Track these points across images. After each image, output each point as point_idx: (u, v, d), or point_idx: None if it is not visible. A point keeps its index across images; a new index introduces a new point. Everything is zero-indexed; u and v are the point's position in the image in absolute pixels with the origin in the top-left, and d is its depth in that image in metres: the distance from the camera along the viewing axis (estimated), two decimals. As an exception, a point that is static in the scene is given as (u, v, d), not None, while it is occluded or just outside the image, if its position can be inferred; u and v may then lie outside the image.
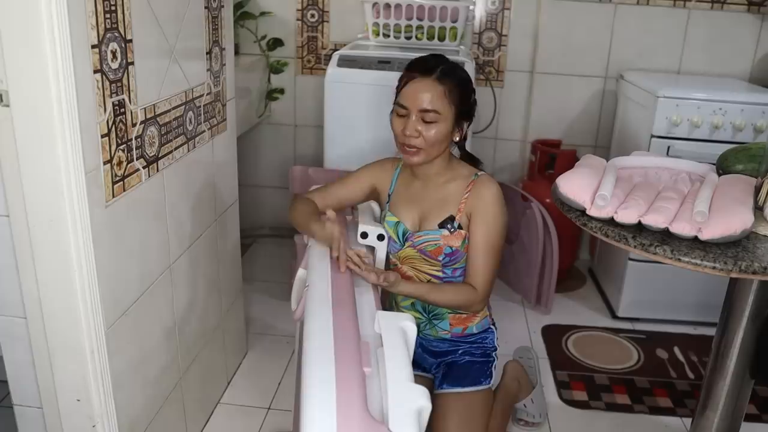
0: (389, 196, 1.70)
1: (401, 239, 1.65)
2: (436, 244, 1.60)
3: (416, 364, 1.74)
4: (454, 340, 1.72)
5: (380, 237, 1.61)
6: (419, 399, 0.98)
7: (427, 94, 1.51)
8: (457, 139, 1.61)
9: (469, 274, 1.61)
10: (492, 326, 1.76)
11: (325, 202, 1.69)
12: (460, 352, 1.72)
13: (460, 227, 1.59)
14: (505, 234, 1.62)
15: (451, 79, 1.54)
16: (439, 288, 1.61)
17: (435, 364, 1.74)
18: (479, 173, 1.63)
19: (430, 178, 1.64)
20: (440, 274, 1.64)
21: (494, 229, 1.58)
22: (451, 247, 1.60)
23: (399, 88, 1.57)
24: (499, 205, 1.59)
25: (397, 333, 1.14)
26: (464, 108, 1.58)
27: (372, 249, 1.63)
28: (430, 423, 1.23)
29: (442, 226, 1.60)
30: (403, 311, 1.69)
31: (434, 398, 1.64)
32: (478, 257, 1.59)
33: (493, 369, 1.72)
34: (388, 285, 1.49)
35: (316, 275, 1.38)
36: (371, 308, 1.32)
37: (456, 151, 1.72)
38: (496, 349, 1.75)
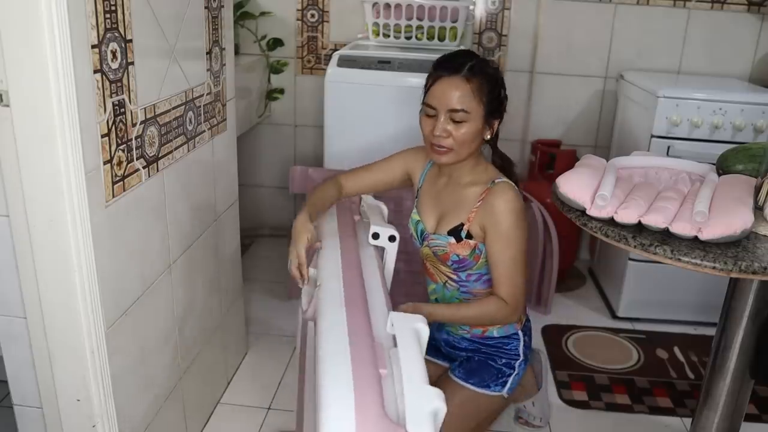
0: (418, 191, 1.68)
1: (420, 238, 1.64)
2: (443, 250, 1.57)
3: (437, 350, 1.72)
4: (475, 340, 1.66)
5: (392, 238, 1.55)
6: (435, 400, 0.97)
7: (455, 93, 1.46)
8: (488, 137, 1.55)
9: (494, 285, 1.55)
10: (519, 332, 1.65)
11: (357, 186, 1.68)
12: (481, 352, 1.66)
13: (469, 236, 1.54)
14: (526, 240, 1.54)
15: (479, 76, 1.48)
16: (466, 306, 1.58)
17: (459, 357, 1.70)
18: (497, 180, 1.55)
19: (455, 178, 1.59)
20: (455, 276, 1.61)
21: (511, 241, 1.50)
22: (458, 255, 1.56)
23: (427, 88, 1.53)
24: (514, 215, 1.50)
25: (411, 334, 1.13)
26: (494, 105, 1.51)
27: (382, 250, 1.61)
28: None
29: (450, 233, 1.56)
30: None
31: (444, 379, 1.62)
32: (499, 270, 1.52)
33: (509, 379, 1.63)
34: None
35: (327, 274, 1.37)
36: (383, 308, 1.30)
37: (488, 152, 1.66)
38: (519, 358, 1.65)
